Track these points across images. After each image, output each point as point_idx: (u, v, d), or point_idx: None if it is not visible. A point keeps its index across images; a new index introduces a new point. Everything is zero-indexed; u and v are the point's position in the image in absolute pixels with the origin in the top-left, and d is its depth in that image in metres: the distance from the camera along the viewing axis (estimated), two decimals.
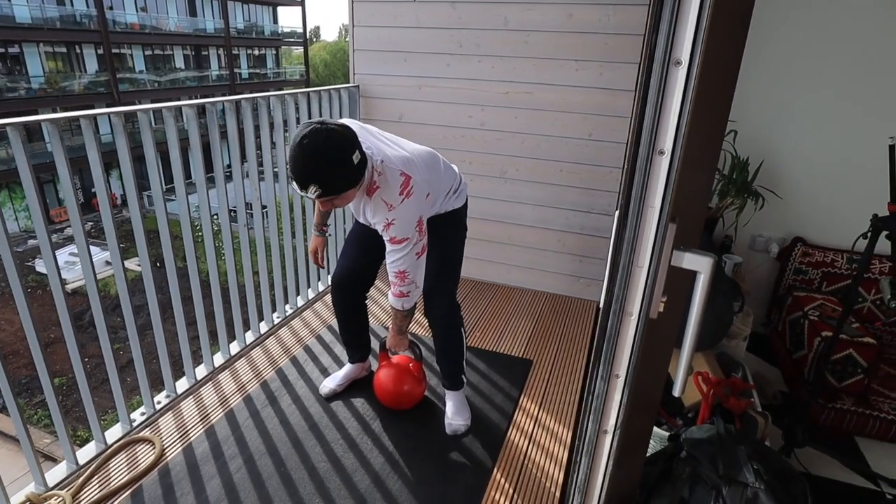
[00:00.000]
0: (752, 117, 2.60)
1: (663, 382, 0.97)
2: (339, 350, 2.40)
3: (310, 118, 2.56)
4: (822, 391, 2.35)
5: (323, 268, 2.36)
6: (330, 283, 2.02)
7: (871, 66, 2.52)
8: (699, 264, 0.78)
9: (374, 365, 2.27)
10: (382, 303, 2.83)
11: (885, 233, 1.77)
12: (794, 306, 2.67)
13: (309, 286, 2.83)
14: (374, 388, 2.01)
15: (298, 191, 1.42)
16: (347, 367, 2.17)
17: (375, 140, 1.63)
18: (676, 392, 0.88)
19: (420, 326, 2.60)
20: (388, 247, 1.60)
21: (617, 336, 0.83)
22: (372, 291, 2.06)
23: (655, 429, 1.84)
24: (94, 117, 1.66)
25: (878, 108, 2.54)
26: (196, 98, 21.88)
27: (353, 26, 2.94)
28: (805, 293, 2.72)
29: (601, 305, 0.85)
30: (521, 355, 2.46)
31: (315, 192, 1.40)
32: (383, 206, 1.54)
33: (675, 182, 0.73)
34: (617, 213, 0.79)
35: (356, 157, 1.43)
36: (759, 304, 2.95)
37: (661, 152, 0.72)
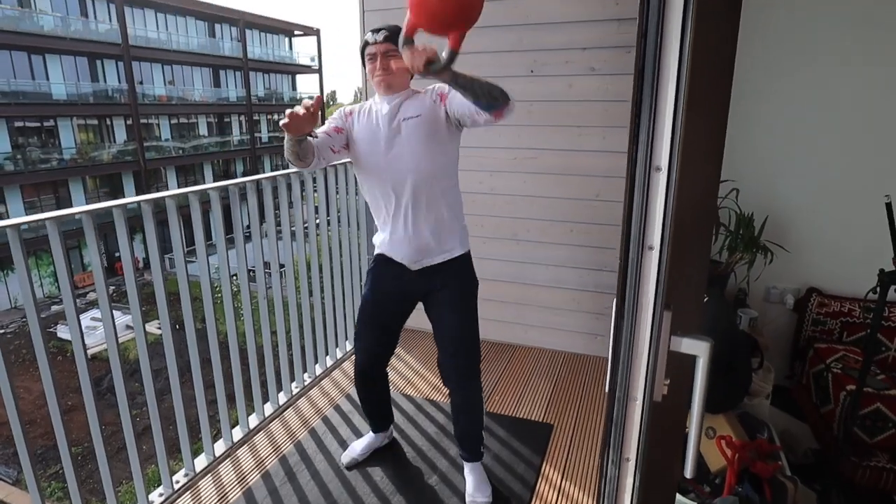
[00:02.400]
0: (754, 174, 2.66)
1: (678, 461, 0.98)
2: (358, 420, 2.41)
3: (326, 190, 2.68)
4: (855, 448, 2.28)
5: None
6: (354, 368, 2.04)
7: (869, 121, 2.57)
8: (697, 349, 0.81)
9: (396, 435, 2.28)
10: (400, 368, 2.86)
11: (894, 287, 1.77)
12: (815, 359, 2.62)
13: (327, 353, 2.87)
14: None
15: (369, 38, 1.64)
16: (370, 436, 2.18)
17: None
18: (688, 473, 0.90)
19: (438, 392, 2.61)
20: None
21: (624, 421, 0.86)
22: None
23: (682, 498, 1.80)
24: (125, 205, 1.77)
25: (876, 161, 2.58)
26: (218, 162, 22.78)
27: (368, 97, 3.10)
28: (826, 344, 2.68)
29: (606, 390, 0.88)
30: (541, 419, 2.44)
31: (384, 34, 1.61)
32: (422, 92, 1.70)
33: (665, 273, 0.78)
34: (614, 302, 0.83)
35: None
36: (781, 356, 2.91)
37: (651, 247, 0.77)
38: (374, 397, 2.10)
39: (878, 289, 1.82)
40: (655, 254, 0.77)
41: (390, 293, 1.87)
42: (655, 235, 0.76)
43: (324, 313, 2.76)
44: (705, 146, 0.80)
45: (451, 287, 1.81)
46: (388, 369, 2.07)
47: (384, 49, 1.63)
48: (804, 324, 2.82)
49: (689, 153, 0.74)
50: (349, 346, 3.03)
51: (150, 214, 1.81)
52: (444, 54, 1.31)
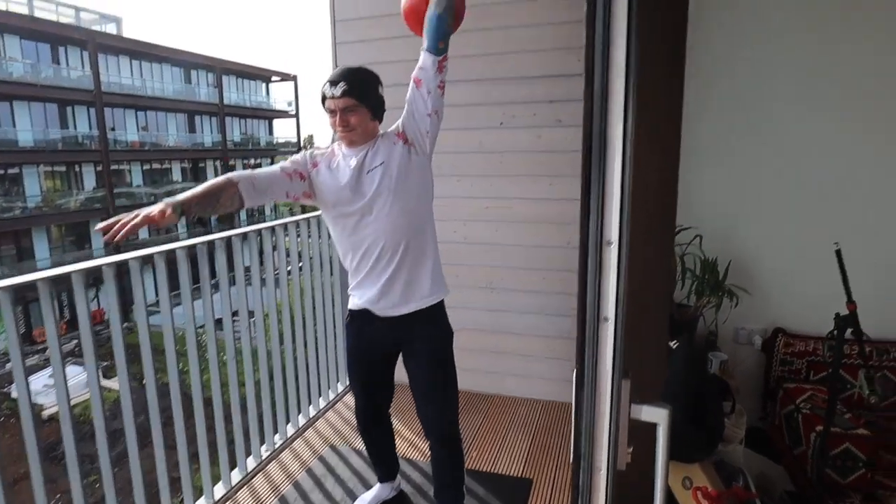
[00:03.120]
0: (715, 219, 2.76)
1: None
2: (332, 484, 2.31)
3: (298, 245, 2.68)
4: (828, 489, 2.29)
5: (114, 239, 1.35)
6: (356, 418, 2.03)
7: (821, 169, 2.70)
8: (657, 416, 0.83)
9: (404, 484, 2.25)
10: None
11: (850, 329, 1.83)
12: (785, 399, 2.66)
13: (300, 412, 2.77)
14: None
15: (327, 91, 1.59)
16: (377, 487, 2.15)
17: None
18: None
19: (415, 450, 2.57)
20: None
21: (590, 490, 0.86)
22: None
23: None
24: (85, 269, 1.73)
25: (828, 207, 2.70)
26: None
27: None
28: (794, 384, 2.72)
29: (571, 460, 0.88)
30: (520, 474, 2.40)
31: (342, 87, 1.57)
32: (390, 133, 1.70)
33: (622, 342, 0.80)
34: (574, 373, 0.85)
35: (381, 91, 1.67)
36: (753, 397, 2.94)
37: (606, 319, 0.79)
38: (379, 443, 2.08)
39: (835, 332, 1.88)
40: (611, 325, 0.79)
41: (367, 347, 1.85)
42: (610, 307, 0.79)
43: (295, 365, 2.70)
44: (656, 218, 0.84)
45: (424, 338, 1.78)
46: (390, 416, 2.05)
47: (343, 105, 1.59)
48: (773, 364, 2.87)
49: (640, 225, 0.77)
50: (322, 403, 2.95)
51: (111, 276, 1.78)
52: None
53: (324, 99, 1.64)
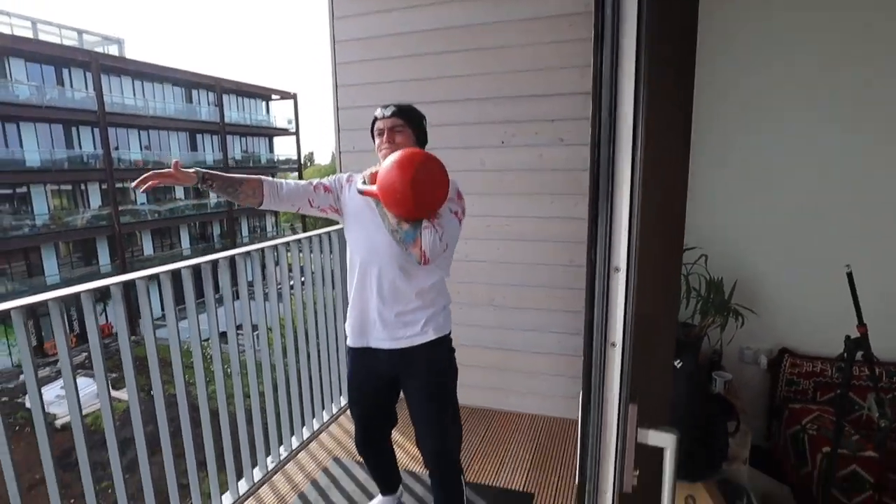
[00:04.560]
0: (721, 239, 2.77)
1: None
2: (337, 496, 2.32)
3: (300, 260, 2.70)
4: None
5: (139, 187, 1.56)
6: (355, 441, 2.01)
7: (832, 188, 2.71)
8: (664, 441, 0.83)
9: (405, 495, 2.23)
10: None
11: (860, 352, 1.83)
12: (791, 419, 2.65)
13: (304, 424, 2.79)
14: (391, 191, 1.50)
15: (378, 113, 1.70)
16: (378, 500, 2.15)
17: None
18: None
19: (417, 463, 2.55)
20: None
21: None
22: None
23: None
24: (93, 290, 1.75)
25: (838, 228, 2.70)
26: (195, 224, 22.63)
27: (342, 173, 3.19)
28: (800, 405, 2.71)
29: (576, 482, 0.88)
30: (521, 488, 2.40)
31: (392, 109, 1.68)
32: None
33: (629, 367, 0.80)
34: (580, 396, 0.85)
35: (425, 125, 1.78)
36: (758, 417, 2.93)
37: (613, 344, 0.80)
38: (378, 461, 2.07)
39: (845, 354, 1.87)
40: (618, 350, 0.80)
41: (367, 377, 1.83)
42: (617, 333, 0.79)
43: (299, 378, 2.71)
44: (665, 243, 0.85)
45: (426, 374, 1.75)
46: (390, 437, 2.04)
47: (391, 124, 1.69)
48: (778, 384, 2.86)
49: (649, 251, 0.78)
50: (326, 417, 2.96)
51: (119, 297, 1.80)
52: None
53: (374, 122, 1.74)
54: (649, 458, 0.87)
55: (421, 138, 1.76)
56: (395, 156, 1.51)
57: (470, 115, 2.88)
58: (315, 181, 1.80)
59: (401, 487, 2.20)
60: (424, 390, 1.76)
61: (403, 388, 1.81)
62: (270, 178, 1.74)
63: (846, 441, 2.29)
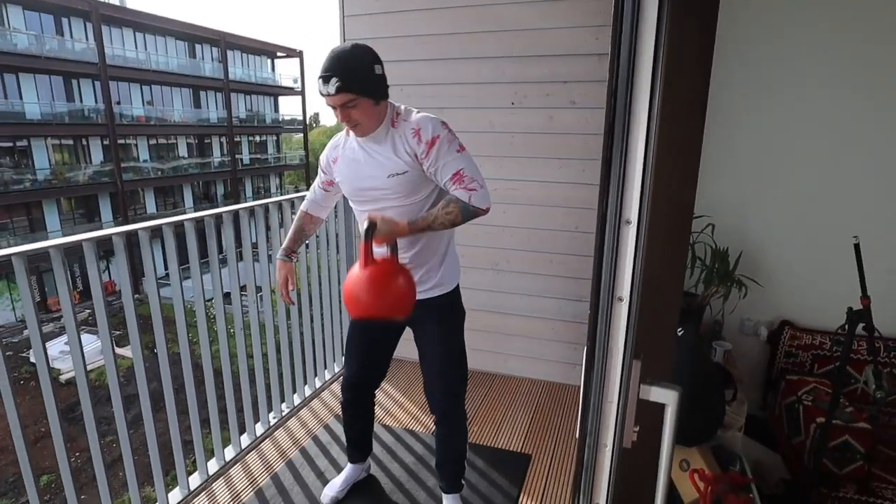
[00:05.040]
0: (728, 209, 2.74)
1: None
2: (336, 452, 2.38)
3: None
4: (824, 479, 2.32)
5: (292, 304, 2.09)
6: (341, 388, 2.03)
7: (841, 159, 2.66)
8: (666, 397, 0.83)
9: (374, 467, 2.26)
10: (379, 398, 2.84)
11: (861, 325, 1.83)
12: (787, 390, 2.67)
13: (306, 382, 2.84)
14: (353, 296, 1.52)
15: (321, 89, 1.45)
16: (348, 469, 2.15)
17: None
18: None
19: (418, 423, 2.60)
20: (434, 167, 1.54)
21: (594, 466, 0.87)
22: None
23: None
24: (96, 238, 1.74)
25: (847, 200, 2.67)
26: (198, 184, 22.54)
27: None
28: (797, 376, 2.73)
29: (577, 435, 0.89)
30: (519, 450, 2.44)
31: (335, 84, 1.42)
32: (404, 139, 1.54)
33: (635, 323, 0.80)
34: (584, 351, 0.85)
35: (378, 69, 1.49)
36: (754, 387, 2.96)
37: (620, 299, 0.79)
38: (357, 423, 2.07)
39: (846, 326, 1.87)
40: (625, 305, 0.79)
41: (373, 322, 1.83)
42: (625, 287, 0.79)
43: (302, 340, 2.74)
44: (676, 200, 0.83)
45: (435, 320, 1.78)
46: (374, 397, 2.05)
47: (340, 101, 1.46)
48: (777, 356, 2.87)
49: (660, 207, 0.77)
50: (328, 376, 3.01)
51: (122, 247, 1.79)
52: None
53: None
54: (650, 416, 0.87)
55: (380, 92, 1.51)
56: (365, 276, 1.48)
57: (482, 74, 2.81)
58: (321, 179, 1.86)
59: (369, 460, 2.21)
60: (442, 336, 1.80)
61: (419, 335, 1.83)
62: (306, 202, 1.92)
63: (840, 412, 2.32)
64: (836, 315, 2.11)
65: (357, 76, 1.45)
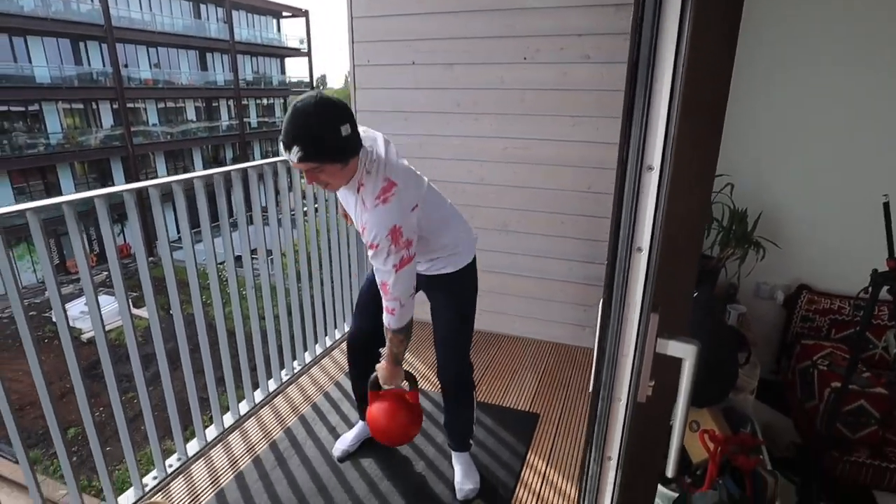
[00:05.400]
0: (749, 169, 2.65)
1: (660, 460, 0.98)
2: (347, 408, 2.41)
3: (314, 186, 2.64)
4: (836, 443, 2.31)
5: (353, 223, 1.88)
6: (346, 342, 2.05)
7: (867, 120, 2.56)
8: (684, 352, 0.80)
9: None
10: None
11: (886, 287, 1.78)
12: (802, 355, 2.64)
13: (316, 341, 2.86)
14: (368, 423, 1.83)
15: (284, 153, 1.38)
16: (359, 425, 2.18)
17: (384, 149, 1.58)
18: (669, 473, 0.89)
19: (426, 381, 2.61)
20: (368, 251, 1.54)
21: (607, 420, 0.85)
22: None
23: (662, 489, 1.81)
24: (108, 195, 1.73)
25: (872, 160, 2.58)
26: (207, 147, 22.47)
27: (356, 89, 3.06)
28: (813, 341, 2.69)
29: (591, 389, 0.87)
30: (527, 409, 2.45)
31: (297, 153, 1.33)
32: (362, 206, 1.50)
33: (654, 274, 0.76)
34: (600, 303, 0.82)
35: (345, 130, 1.37)
36: (768, 351, 2.93)
37: (640, 249, 0.75)
38: (364, 380, 2.06)
39: (869, 288, 1.82)
40: (644, 256, 0.75)
41: None
42: (645, 237, 0.75)
43: (312, 302, 2.75)
44: (700, 146, 0.78)
45: (445, 289, 1.82)
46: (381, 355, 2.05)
47: (306, 168, 1.41)
48: (793, 320, 2.83)
49: (683, 153, 0.72)
50: (338, 335, 3.02)
51: (133, 204, 1.78)
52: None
53: None
54: (666, 371, 0.85)
55: (346, 153, 1.42)
56: (388, 415, 1.79)
57: (492, 27, 2.70)
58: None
59: None
60: (454, 308, 1.83)
61: (433, 302, 1.86)
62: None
63: (857, 377, 2.29)
64: (857, 280, 2.06)
65: (322, 144, 1.36)
